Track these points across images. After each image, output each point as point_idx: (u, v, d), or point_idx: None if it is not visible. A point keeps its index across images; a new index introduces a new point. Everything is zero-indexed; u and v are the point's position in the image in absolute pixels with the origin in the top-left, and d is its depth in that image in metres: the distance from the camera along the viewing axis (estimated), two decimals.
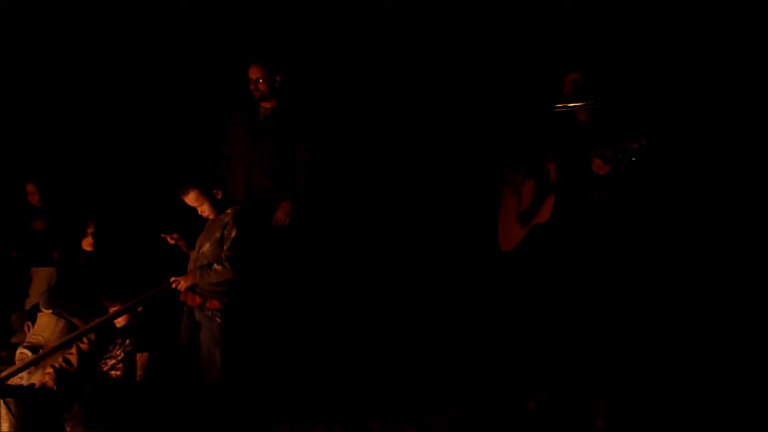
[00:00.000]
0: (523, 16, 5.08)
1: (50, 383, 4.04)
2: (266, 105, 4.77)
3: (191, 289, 4.26)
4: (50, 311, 4.28)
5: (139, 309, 4.30)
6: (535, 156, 4.26)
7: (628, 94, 4.39)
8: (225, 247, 4.23)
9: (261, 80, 4.68)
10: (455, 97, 5.35)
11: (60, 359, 4.11)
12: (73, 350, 4.11)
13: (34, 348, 4.19)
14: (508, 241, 4.39)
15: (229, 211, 4.31)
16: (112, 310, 4.24)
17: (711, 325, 4.74)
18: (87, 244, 4.66)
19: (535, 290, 4.27)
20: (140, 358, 4.39)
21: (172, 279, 4.28)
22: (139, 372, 4.33)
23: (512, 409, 4.41)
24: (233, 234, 4.23)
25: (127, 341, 4.25)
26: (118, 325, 4.26)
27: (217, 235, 4.25)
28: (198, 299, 4.25)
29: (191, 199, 4.23)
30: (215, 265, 4.19)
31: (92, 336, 4.14)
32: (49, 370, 4.07)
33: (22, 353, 4.19)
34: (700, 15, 4.76)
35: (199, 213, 4.30)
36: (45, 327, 4.26)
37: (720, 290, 4.78)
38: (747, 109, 4.77)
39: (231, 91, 5.02)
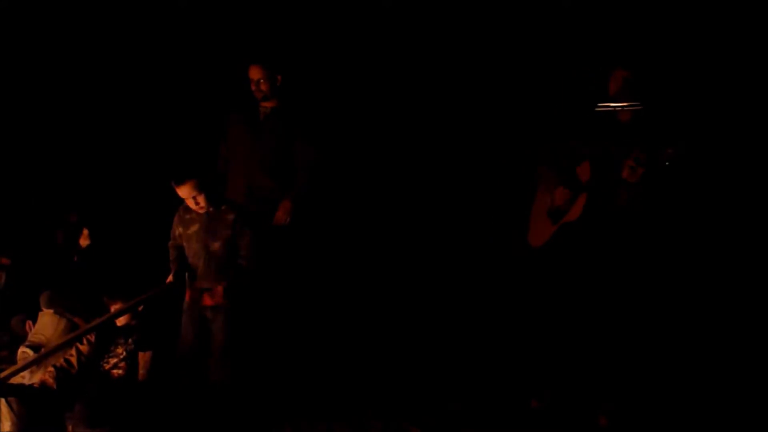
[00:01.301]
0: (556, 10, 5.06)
1: (50, 382, 4.03)
2: (267, 104, 4.77)
3: (207, 290, 4.24)
4: (52, 310, 4.26)
5: (140, 308, 4.28)
6: (571, 154, 4.26)
7: (671, 96, 4.38)
8: (244, 246, 4.24)
9: (262, 80, 4.68)
10: (457, 97, 5.36)
11: (61, 359, 4.09)
12: (73, 351, 4.09)
13: (35, 347, 4.18)
14: (537, 237, 4.39)
15: (224, 207, 4.29)
16: (113, 308, 4.22)
17: (729, 329, 4.75)
18: (84, 238, 4.65)
19: (554, 286, 4.29)
20: (142, 357, 4.37)
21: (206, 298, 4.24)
22: (141, 371, 4.31)
23: (514, 408, 4.41)
24: (248, 233, 4.25)
25: (129, 341, 4.24)
26: (119, 324, 4.24)
27: (227, 233, 4.24)
28: (217, 299, 4.23)
29: (187, 189, 4.18)
30: (243, 264, 4.21)
31: (92, 338, 4.12)
32: (50, 369, 4.06)
33: (24, 352, 4.18)
34: (725, 15, 4.76)
35: (194, 205, 4.25)
36: (47, 326, 4.24)
37: (740, 296, 4.79)
38: None
39: (230, 90, 5.02)
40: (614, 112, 4.14)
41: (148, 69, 5.34)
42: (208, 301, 4.26)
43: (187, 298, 4.33)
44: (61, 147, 5.25)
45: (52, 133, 5.25)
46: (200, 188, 4.19)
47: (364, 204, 5.42)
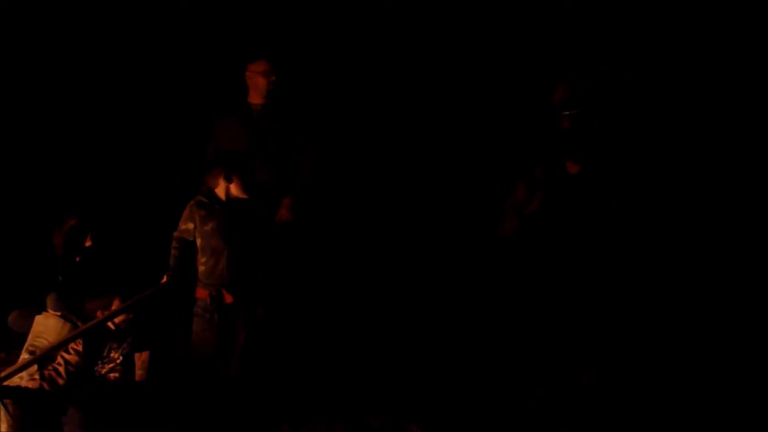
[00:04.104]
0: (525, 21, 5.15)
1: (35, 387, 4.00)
2: (258, 103, 4.78)
3: (225, 286, 4.20)
4: (59, 313, 4.19)
5: (130, 315, 4.23)
6: (525, 161, 4.63)
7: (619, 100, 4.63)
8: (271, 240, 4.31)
9: (273, 77, 4.72)
10: (453, 97, 5.37)
11: (50, 367, 4.05)
12: (61, 361, 4.06)
13: (37, 352, 4.13)
14: (506, 229, 4.72)
15: (248, 201, 4.28)
16: (103, 312, 4.19)
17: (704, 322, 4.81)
18: (87, 240, 4.62)
19: (529, 274, 4.58)
20: (139, 358, 4.34)
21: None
22: (139, 372, 4.28)
23: (514, 406, 4.43)
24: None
25: (125, 345, 4.21)
26: (111, 327, 4.20)
27: (252, 227, 4.25)
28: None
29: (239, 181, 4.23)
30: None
31: (79, 347, 4.08)
32: (36, 377, 4.02)
33: (25, 360, 4.11)
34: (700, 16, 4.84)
35: (233, 194, 4.24)
36: (51, 330, 4.15)
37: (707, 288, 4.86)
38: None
39: (220, 90, 5.00)
40: (557, 120, 4.59)
41: (145, 69, 5.29)
42: (229, 298, 4.19)
43: (202, 297, 4.23)
44: (59, 147, 5.19)
45: (51, 133, 5.19)
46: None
47: (363, 203, 5.41)
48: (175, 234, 4.30)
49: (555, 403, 4.35)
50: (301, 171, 4.74)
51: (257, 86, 4.76)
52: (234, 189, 4.23)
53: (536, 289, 4.52)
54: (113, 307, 4.18)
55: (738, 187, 4.85)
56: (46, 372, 4.04)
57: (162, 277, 4.28)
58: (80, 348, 4.10)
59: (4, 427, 3.92)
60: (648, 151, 4.41)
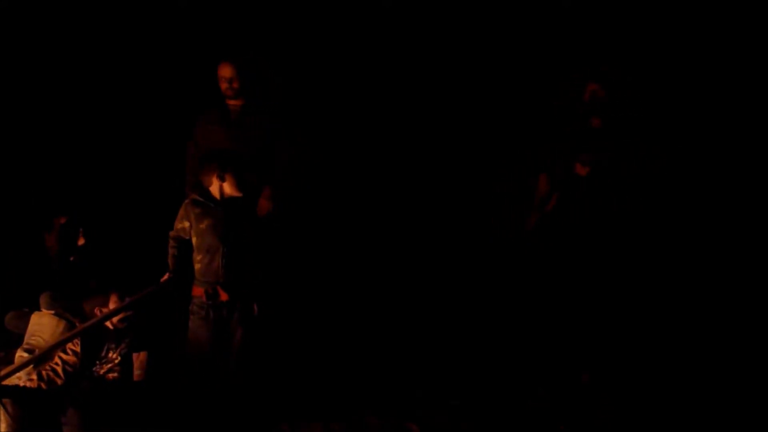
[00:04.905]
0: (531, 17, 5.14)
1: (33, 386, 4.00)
2: (236, 102, 4.78)
3: (220, 284, 4.19)
4: (52, 312, 4.20)
5: (130, 313, 4.23)
6: (548, 157, 4.65)
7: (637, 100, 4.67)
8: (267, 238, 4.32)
9: (234, 78, 4.71)
10: (452, 96, 5.37)
11: (47, 367, 4.05)
12: (59, 361, 4.06)
13: (33, 351, 4.12)
14: (528, 223, 4.75)
15: (242, 198, 4.27)
16: (102, 310, 4.18)
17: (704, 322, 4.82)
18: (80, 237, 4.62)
19: (530, 274, 4.64)
20: (137, 358, 4.34)
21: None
22: (137, 372, 4.29)
23: (513, 404, 4.44)
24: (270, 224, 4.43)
25: (123, 344, 4.22)
26: (110, 327, 4.20)
27: (247, 225, 4.24)
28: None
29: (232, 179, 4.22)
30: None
31: (77, 347, 4.08)
32: (33, 377, 4.02)
33: (21, 357, 4.11)
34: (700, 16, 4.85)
35: (226, 193, 4.23)
36: (45, 328, 4.16)
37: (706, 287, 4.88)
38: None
39: (198, 88, 5.00)
40: (587, 118, 4.59)
41: (143, 67, 5.28)
42: (224, 296, 4.18)
43: (198, 294, 4.21)
44: (56, 147, 5.17)
45: (47, 133, 5.17)
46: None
47: (362, 202, 5.40)
48: (171, 233, 4.29)
49: (555, 403, 4.36)
50: (279, 162, 4.74)
51: (221, 87, 4.77)
52: (227, 187, 4.23)
53: (536, 289, 4.54)
54: (110, 305, 4.19)
55: (738, 187, 4.87)
56: (43, 372, 4.04)
57: (161, 276, 4.26)
58: (77, 348, 4.10)
59: (3, 426, 3.92)
60: (648, 151, 4.42)
